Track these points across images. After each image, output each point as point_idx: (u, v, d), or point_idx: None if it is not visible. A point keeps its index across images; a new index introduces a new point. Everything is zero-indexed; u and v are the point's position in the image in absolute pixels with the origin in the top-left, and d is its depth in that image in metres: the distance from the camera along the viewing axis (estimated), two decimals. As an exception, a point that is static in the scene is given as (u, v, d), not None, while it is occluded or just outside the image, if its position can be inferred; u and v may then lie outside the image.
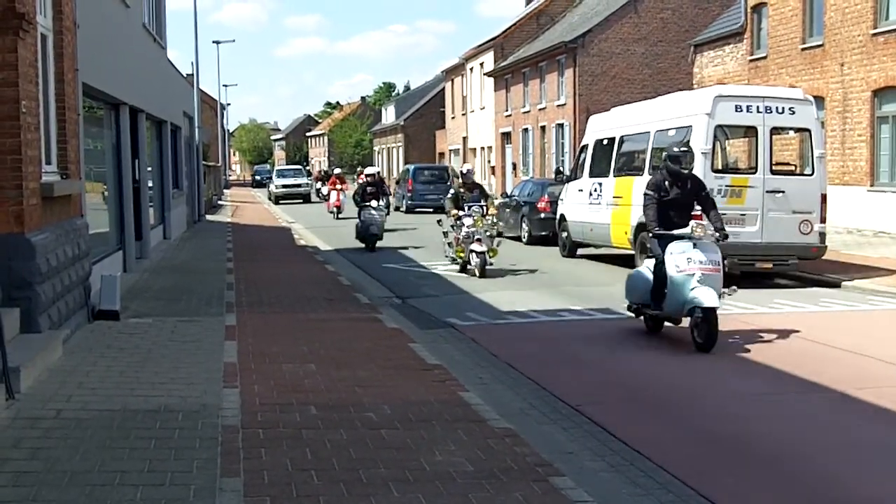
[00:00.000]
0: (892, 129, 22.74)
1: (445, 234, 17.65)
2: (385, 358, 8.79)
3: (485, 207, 17.04)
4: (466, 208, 16.91)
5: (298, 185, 51.29)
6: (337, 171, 39.63)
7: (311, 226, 30.91)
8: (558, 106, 42.29)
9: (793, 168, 17.50)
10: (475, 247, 16.33)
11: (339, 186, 35.61)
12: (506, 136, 50.28)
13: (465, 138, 58.82)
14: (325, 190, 46.00)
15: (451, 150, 62.97)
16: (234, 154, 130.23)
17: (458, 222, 16.92)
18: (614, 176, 18.06)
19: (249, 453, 5.71)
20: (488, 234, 16.73)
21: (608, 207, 17.94)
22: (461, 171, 18.34)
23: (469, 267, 16.59)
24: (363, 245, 21.51)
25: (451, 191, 18.50)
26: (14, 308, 8.02)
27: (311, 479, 5.27)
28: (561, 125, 42.07)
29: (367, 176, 23.12)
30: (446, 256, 17.59)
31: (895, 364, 9.00)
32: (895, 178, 22.65)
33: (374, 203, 21.53)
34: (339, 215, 34.24)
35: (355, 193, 22.38)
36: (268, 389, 7.42)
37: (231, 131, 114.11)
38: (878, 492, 5.62)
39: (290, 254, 20.59)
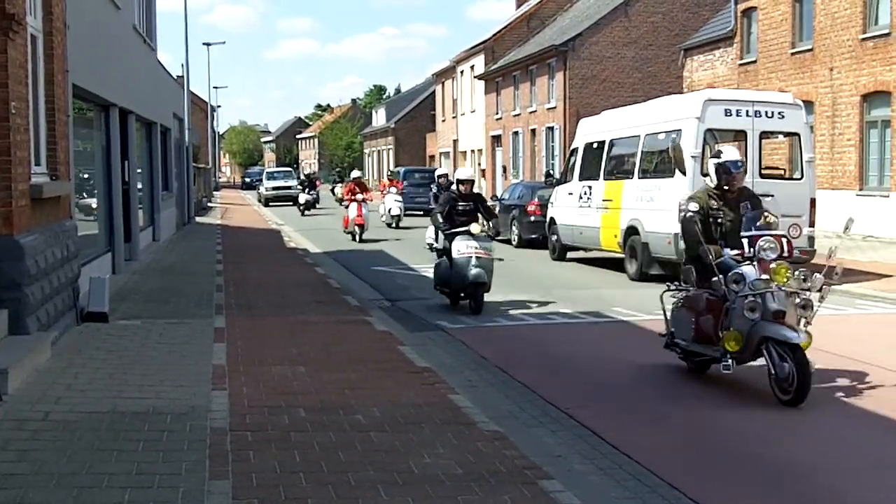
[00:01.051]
0: (881, 134, 22.85)
1: (677, 287, 8.83)
2: (374, 360, 8.78)
3: (784, 242, 8.08)
4: (747, 245, 8.04)
5: (288, 188, 51.24)
6: (355, 174, 29.17)
7: (301, 228, 30.86)
8: (548, 109, 42.35)
9: (782, 172, 17.58)
10: (782, 332, 7.65)
11: (360, 196, 26.05)
12: (496, 139, 50.33)
13: (455, 141, 58.85)
14: (302, 198, 40.62)
15: (441, 153, 63.00)
16: (224, 156, 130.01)
17: (711, 278, 8.17)
18: (604, 179, 18.10)
19: (238, 456, 5.70)
20: (802, 304, 8.00)
21: (598, 211, 17.98)
22: (717, 162, 8.72)
23: (719, 366, 8.07)
24: (448, 300, 13.29)
25: (691, 205, 8.59)
26: (2, 310, 7.99)
27: (300, 482, 5.27)
28: (551, 128, 42.13)
29: (460, 183, 13.43)
30: (667, 344, 8.86)
31: (885, 368, 9.03)
32: (884, 182, 22.75)
33: (474, 228, 12.84)
34: (363, 235, 25.43)
35: (437, 212, 13.47)
36: (257, 392, 7.41)
37: (221, 133, 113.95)
38: (868, 496, 5.64)
39: (279, 256, 20.56)
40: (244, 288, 14.16)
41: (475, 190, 13.93)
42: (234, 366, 8.34)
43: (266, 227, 31.48)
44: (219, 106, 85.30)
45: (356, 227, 25.45)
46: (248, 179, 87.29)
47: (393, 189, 32.80)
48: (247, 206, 50.56)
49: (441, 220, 13.11)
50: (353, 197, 26.22)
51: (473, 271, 12.41)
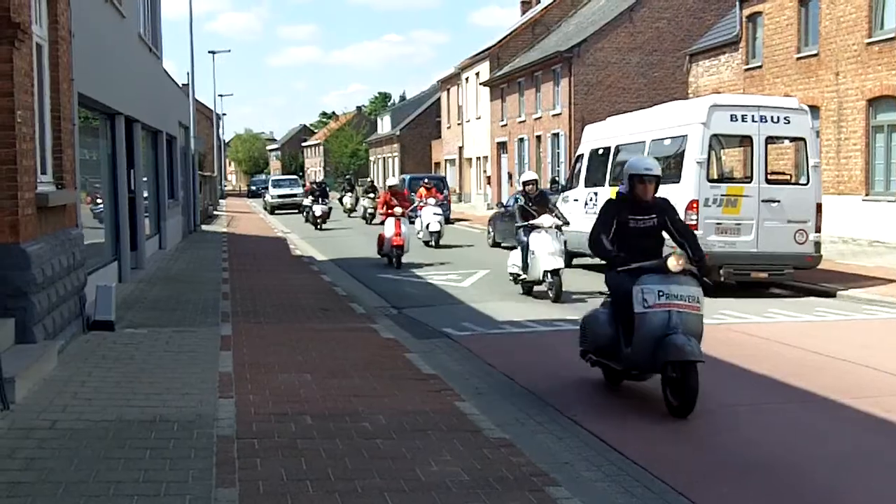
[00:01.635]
0: (887, 139, 22.79)
1: None
2: (381, 368, 8.78)
3: None
4: None
5: (294, 195, 51.32)
6: (393, 181, 23.14)
7: (307, 236, 30.88)
8: (554, 115, 42.35)
9: (788, 177, 17.54)
10: None
11: (398, 210, 20.32)
12: (501, 146, 50.33)
13: (460, 148, 58.88)
14: (317, 210, 33.90)
15: (446, 160, 63.03)
16: (229, 164, 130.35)
17: None
18: (610, 185, 18.06)
19: (244, 463, 5.70)
20: None
21: (604, 217, 17.92)
22: None
23: None
24: (604, 373, 8.63)
25: None
26: (9, 318, 8.00)
27: (307, 489, 5.26)
28: (556, 134, 42.12)
29: (637, 181, 8.05)
30: None
31: (892, 373, 9.00)
32: (890, 187, 22.69)
33: (672, 264, 7.62)
34: (402, 257, 20.17)
35: (599, 233, 8.13)
36: (263, 399, 7.40)
37: (227, 141, 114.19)
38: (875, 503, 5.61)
39: (285, 264, 20.57)
40: (250, 296, 14.16)
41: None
42: (241, 374, 8.34)
43: (272, 235, 31.50)
44: (224, 114, 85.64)
45: (393, 250, 19.96)
46: (253, 187, 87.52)
47: (431, 199, 27.08)
48: (252, 214, 50.63)
49: (608, 247, 7.94)
50: (389, 211, 20.37)
51: (678, 341, 7.36)
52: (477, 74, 54.73)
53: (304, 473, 5.55)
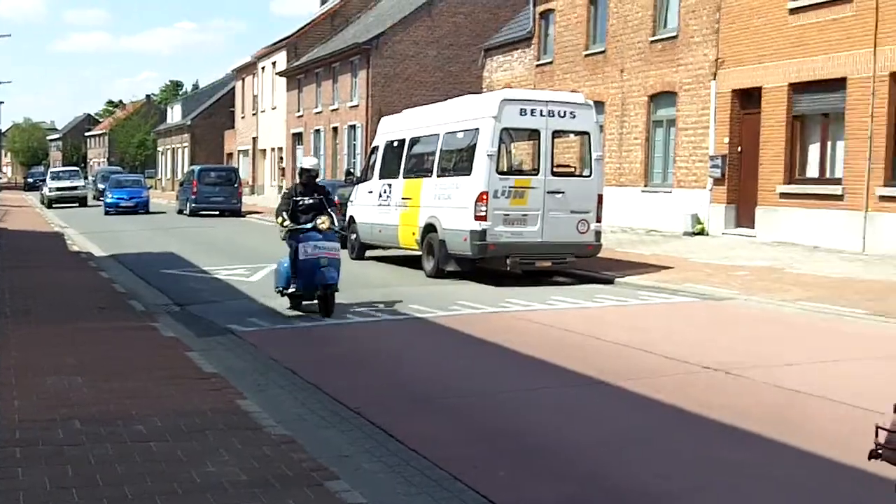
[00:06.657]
0: (665, 133, 24.13)
1: None
2: (159, 368, 8.42)
3: None
4: None
5: (75, 188, 49.06)
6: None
7: (86, 231, 29.41)
8: (351, 107, 42.30)
9: (572, 170, 18.20)
10: None
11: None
12: (297, 137, 49.81)
13: (255, 139, 57.85)
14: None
15: (240, 151, 61.79)
16: (5, 155, 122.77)
17: None
18: (404, 177, 18.18)
19: (4, 473, 5.33)
20: None
21: (397, 209, 18.04)
22: None
23: None
24: None
25: None
26: None
27: (72, 497, 4.97)
28: (353, 126, 42.10)
29: None
30: None
31: (664, 356, 9.45)
32: (667, 178, 24.03)
33: None
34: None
35: None
36: (29, 405, 6.94)
37: (3, 131, 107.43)
38: (646, 483, 5.85)
39: (61, 260, 19.50)
40: (21, 294, 13.32)
41: None
42: (6, 378, 7.80)
43: (49, 231, 29.81)
44: (1, 102, 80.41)
45: None
46: (30, 180, 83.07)
47: None
48: (28, 208, 47.86)
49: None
50: None
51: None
52: (274, 64, 53.93)
53: (69, 481, 5.23)
